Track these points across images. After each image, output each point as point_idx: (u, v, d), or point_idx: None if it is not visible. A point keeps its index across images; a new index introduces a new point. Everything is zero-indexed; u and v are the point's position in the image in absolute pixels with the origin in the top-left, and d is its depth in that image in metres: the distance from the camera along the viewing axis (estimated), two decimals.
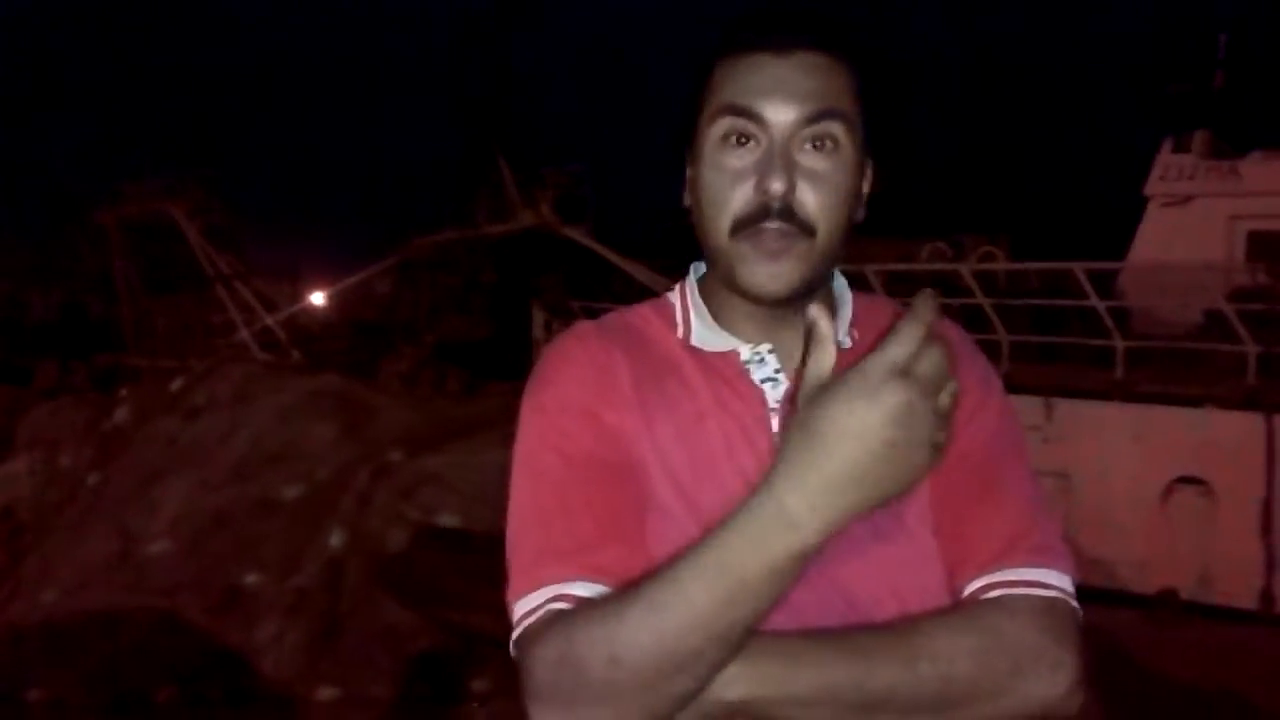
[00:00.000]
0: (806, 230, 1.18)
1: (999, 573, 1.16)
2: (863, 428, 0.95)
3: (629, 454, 1.19)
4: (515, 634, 1.10)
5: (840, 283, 1.32)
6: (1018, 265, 16.52)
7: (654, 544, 1.15)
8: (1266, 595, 9.84)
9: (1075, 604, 1.17)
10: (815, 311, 1.02)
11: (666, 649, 1.00)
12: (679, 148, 1.30)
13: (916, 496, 1.17)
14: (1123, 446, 10.35)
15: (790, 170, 1.18)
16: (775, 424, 1.21)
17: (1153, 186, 17.03)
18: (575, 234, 20.74)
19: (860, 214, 1.26)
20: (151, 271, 22.56)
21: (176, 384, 9.83)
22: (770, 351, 1.25)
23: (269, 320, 18.95)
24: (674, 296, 1.33)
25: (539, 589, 1.10)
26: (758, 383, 1.24)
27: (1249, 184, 16.05)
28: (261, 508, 7.86)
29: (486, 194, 22.39)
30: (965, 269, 14.03)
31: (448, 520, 7.02)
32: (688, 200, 1.28)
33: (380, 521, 7.14)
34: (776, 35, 1.21)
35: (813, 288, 1.22)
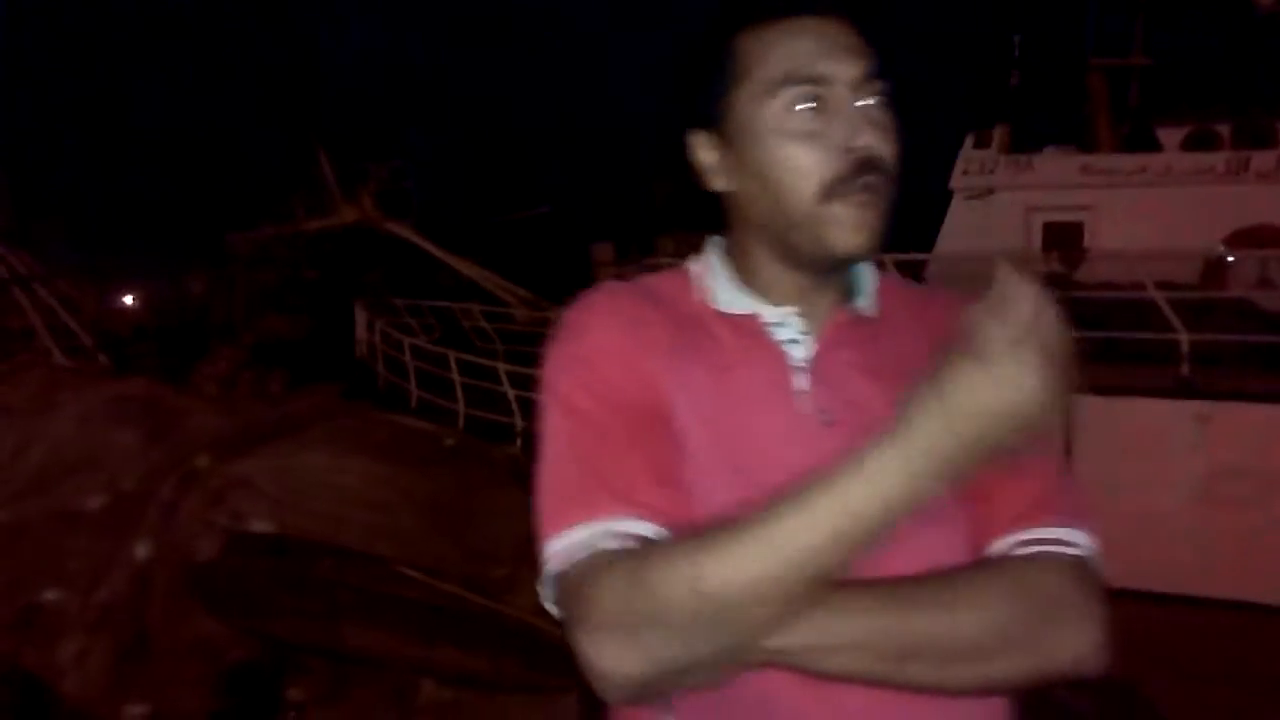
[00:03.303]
0: (888, 179, 1.22)
1: (1028, 531, 1.20)
2: (1003, 407, 0.96)
3: (665, 400, 1.21)
4: (560, 567, 1.11)
5: None
6: None
7: (695, 489, 1.18)
8: None
9: (1099, 565, 1.21)
10: (1006, 271, 1.03)
11: (753, 581, 1.00)
12: (682, 131, 1.30)
13: None
14: None
15: (871, 124, 1.20)
16: (798, 382, 1.24)
17: (956, 180, 17.77)
18: (398, 229, 20.46)
19: None
20: None
21: None
22: (795, 314, 1.28)
23: (71, 323, 18.11)
24: (695, 267, 1.35)
25: (590, 521, 1.11)
26: (781, 343, 1.27)
27: (1043, 177, 16.90)
28: (61, 520, 7.50)
29: (306, 188, 21.90)
30: None
31: (260, 526, 6.81)
32: (729, 183, 1.27)
33: (188, 530, 6.88)
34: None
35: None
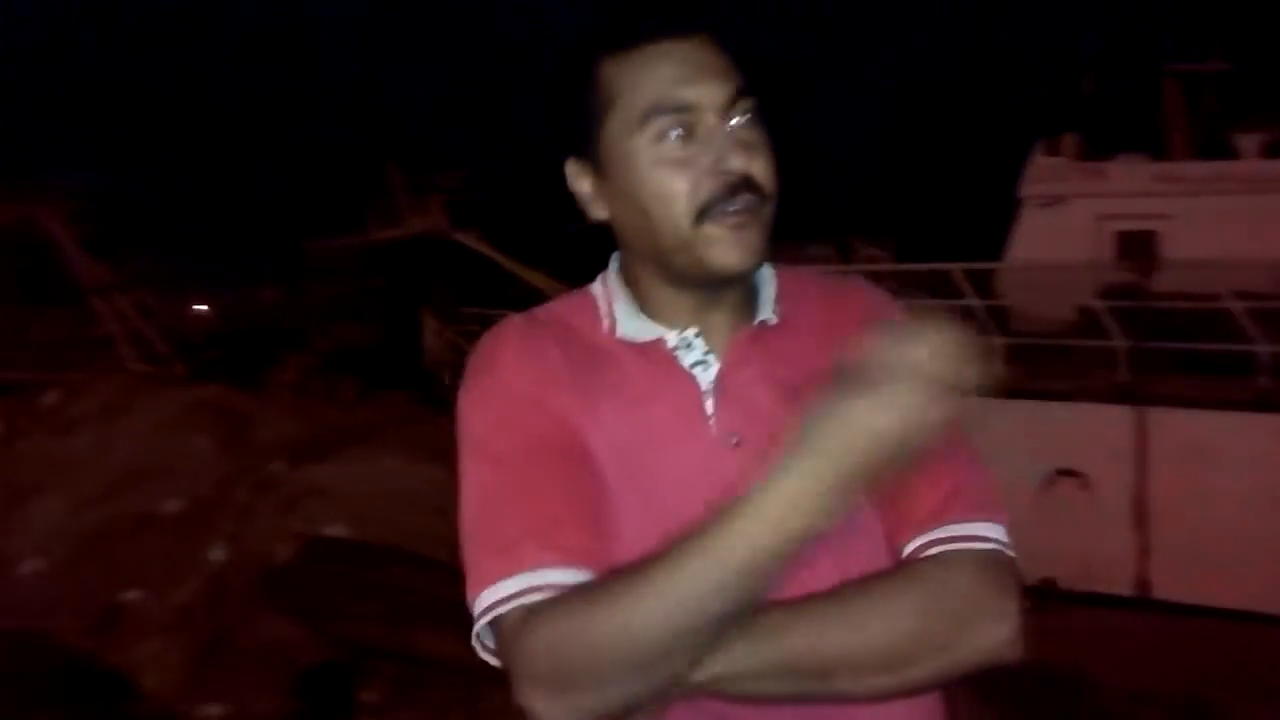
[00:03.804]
0: (763, 198, 1.20)
1: (936, 530, 1.19)
2: (881, 431, 0.97)
3: (578, 439, 1.19)
4: (489, 618, 1.11)
5: None
6: (899, 267, 16.86)
7: (614, 526, 1.16)
8: (1141, 582, 10.17)
9: (1012, 554, 1.20)
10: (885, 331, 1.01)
11: (669, 623, 1.01)
12: (560, 160, 1.29)
13: None
14: (1002, 441, 10.60)
15: (741, 146, 1.19)
16: (708, 406, 1.23)
17: (1026, 188, 17.52)
18: (466, 239, 20.61)
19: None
20: (23, 281, 21.83)
21: (49, 398, 9.54)
22: (697, 335, 1.26)
23: (148, 331, 18.48)
24: (596, 289, 1.34)
25: (513, 575, 1.10)
26: (688, 367, 1.25)
27: (1116, 185, 16.60)
28: (140, 523, 7.67)
29: (377, 199, 22.14)
30: (851, 271, 14.28)
31: (334, 531, 6.91)
32: (604, 211, 1.28)
33: (263, 534, 7.00)
34: (670, 21, 1.21)
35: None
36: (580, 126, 1.24)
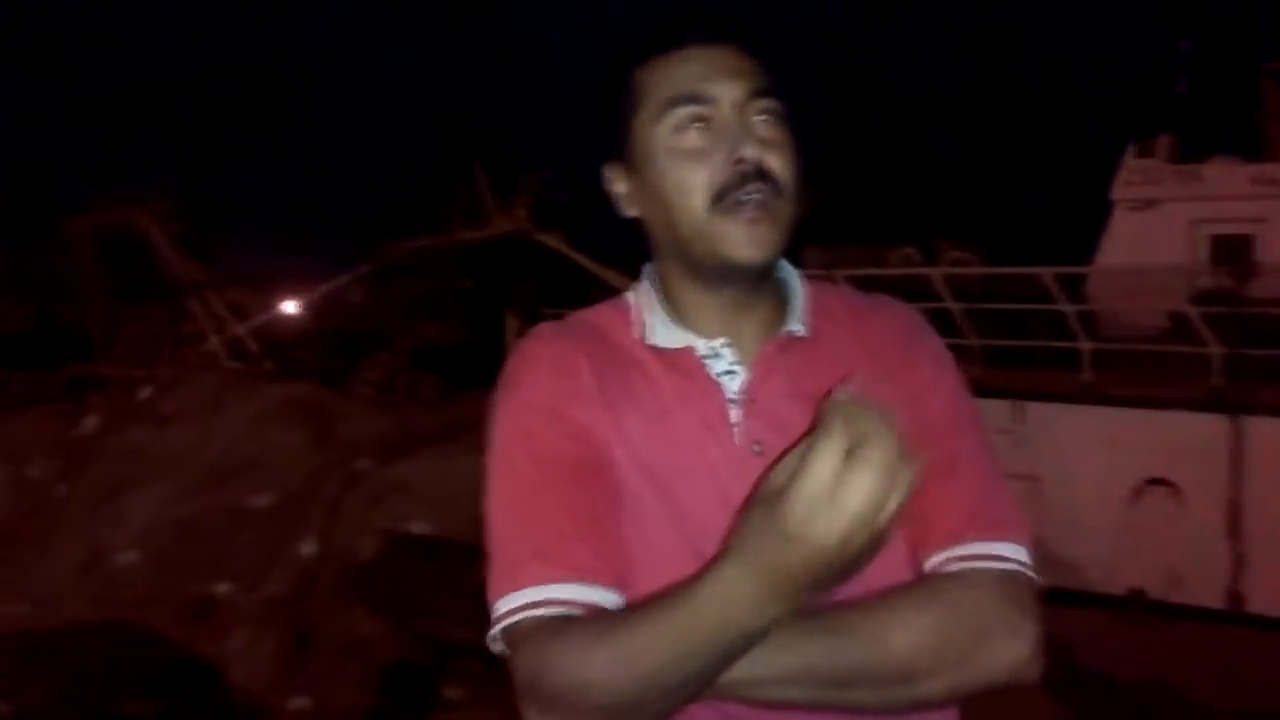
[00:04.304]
0: (778, 191, 1.22)
1: (958, 548, 1.20)
2: (826, 536, 0.94)
3: (598, 450, 1.22)
4: (496, 629, 1.16)
5: (789, 270, 1.35)
6: (987, 270, 16.63)
7: (629, 536, 1.20)
8: (1233, 595, 9.93)
9: (1032, 574, 1.20)
10: (841, 400, 0.98)
11: (633, 685, 1.05)
12: (602, 166, 1.33)
13: None
14: (1092, 449, 10.44)
15: (755, 138, 1.22)
16: (734, 415, 1.24)
17: (1118, 191, 17.18)
18: (550, 240, 20.72)
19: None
20: (121, 280, 22.39)
21: (145, 393, 9.78)
22: (726, 345, 1.28)
23: (239, 329, 18.84)
24: (631, 296, 1.36)
25: (519, 590, 1.15)
26: (715, 376, 1.26)
27: (1211, 188, 16.22)
28: (232, 517, 7.83)
29: (462, 200, 22.32)
30: (936, 274, 14.13)
31: (418, 528, 7.01)
32: (634, 209, 1.31)
33: (351, 530, 7.12)
34: (698, 30, 1.25)
35: (776, 260, 1.26)
36: (615, 130, 1.29)
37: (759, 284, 1.28)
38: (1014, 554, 1.20)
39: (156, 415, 9.26)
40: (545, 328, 1.36)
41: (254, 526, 7.60)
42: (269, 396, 9.09)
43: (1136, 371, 11.38)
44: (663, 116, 1.23)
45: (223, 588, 7.27)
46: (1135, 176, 17.01)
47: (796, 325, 1.30)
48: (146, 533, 7.89)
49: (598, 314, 1.37)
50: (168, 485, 8.25)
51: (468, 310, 21.21)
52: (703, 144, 1.22)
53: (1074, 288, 13.42)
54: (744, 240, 1.21)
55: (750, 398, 1.26)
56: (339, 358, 17.66)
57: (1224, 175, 16.40)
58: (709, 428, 1.24)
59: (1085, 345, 11.46)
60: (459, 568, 6.32)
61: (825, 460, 0.93)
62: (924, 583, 1.20)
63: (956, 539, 1.20)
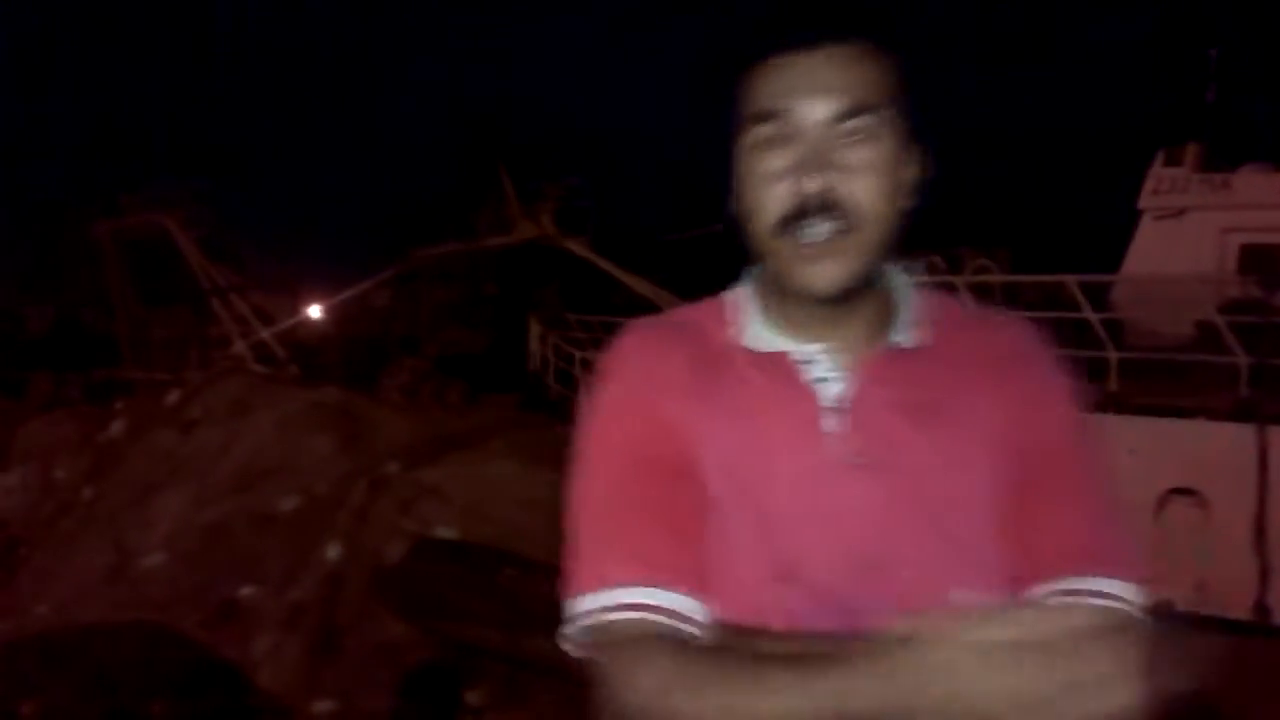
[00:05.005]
0: (850, 225, 1.16)
1: (1061, 581, 1.15)
2: (977, 696, 0.94)
3: (688, 451, 1.20)
4: (577, 625, 1.15)
5: (899, 279, 1.30)
6: (1012, 278, 16.55)
7: (723, 539, 1.18)
8: (1261, 606, 9.85)
9: (1142, 616, 1.15)
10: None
11: None
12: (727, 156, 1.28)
13: (980, 497, 1.17)
14: (1117, 458, 10.36)
15: (826, 167, 1.16)
16: (827, 423, 1.21)
17: (1146, 200, 17.08)
18: (575, 246, 20.76)
19: (911, 203, 1.24)
20: (147, 284, 22.54)
21: (173, 396, 9.83)
22: (823, 351, 1.24)
23: (264, 333, 18.93)
24: (730, 297, 1.33)
25: (608, 589, 1.14)
26: (810, 382, 1.23)
27: (1241, 197, 16.11)
28: (258, 520, 7.85)
29: (488, 206, 22.39)
30: (959, 282, 14.08)
31: (445, 533, 7.01)
32: (734, 207, 1.27)
33: (378, 534, 7.13)
34: (801, 31, 1.19)
35: (864, 283, 1.21)
36: (728, 131, 1.25)
37: (852, 299, 1.22)
38: (1122, 592, 1.15)
39: (183, 419, 9.30)
40: (642, 323, 1.33)
41: (280, 530, 7.63)
42: (296, 400, 9.12)
43: (1163, 381, 11.30)
44: (746, 131, 1.20)
45: (248, 591, 7.30)
46: (1163, 185, 16.90)
47: (903, 336, 1.25)
48: (173, 536, 7.93)
49: (694, 312, 1.34)
50: (194, 488, 8.29)
51: (493, 316, 21.28)
52: (777, 166, 1.18)
53: (1100, 296, 13.35)
54: (803, 273, 1.18)
55: (848, 406, 1.22)
56: (364, 363, 17.74)
57: (1253, 184, 16.28)
58: (800, 434, 1.21)
59: (1112, 354, 11.39)
60: (486, 572, 6.33)
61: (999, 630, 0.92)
62: None
63: (1060, 572, 1.15)
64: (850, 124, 1.17)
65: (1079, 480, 1.21)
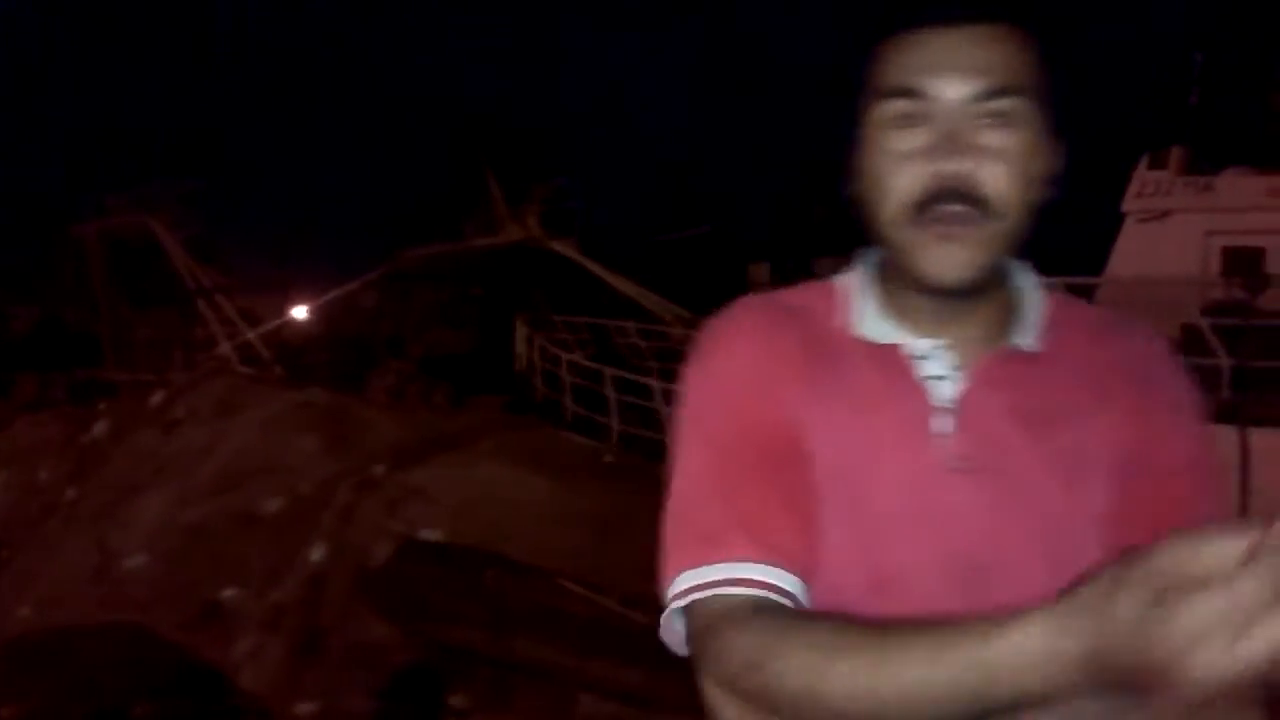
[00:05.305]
0: (987, 212, 1.10)
1: None
2: (1202, 670, 0.77)
3: (798, 431, 1.14)
4: (683, 602, 1.08)
5: (1024, 277, 1.24)
6: None
7: (821, 532, 1.12)
8: None
9: None
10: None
11: (868, 708, 0.95)
12: (848, 135, 1.21)
13: (1091, 513, 1.12)
14: None
15: (965, 149, 1.10)
16: (937, 424, 1.14)
17: (1129, 202, 17.14)
18: (562, 247, 20.76)
19: (1042, 197, 1.17)
20: (132, 285, 22.46)
21: (156, 397, 9.80)
22: (940, 348, 1.18)
23: (250, 334, 18.87)
24: (844, 281, 1.26)
25: (716, 564, 1.07)
26: (925, 379, 1.17)
27: (1224, 200, 16.19)
28: (242, 521, 7.84)
29: (475, 207, 22.37)
30: None
31: (431, 534, 7.00)
32: (855, 188, 1.20)
33: (363, 535, 7.12)
34: (944, 5, 1.12)
35: (991, 276, 1.15)
36: (857, 107, 1.18)
37: (975, 294, 1.15)
38: None
39: (167, 420, 9.28)
40: (751, 299, 1.26)
41: (264, 531, 7.61)
42: (281, 401, 9.11)
43: None
44: (877, 106, 1.13)
45: (230, 592, 7.28)
46: (1147, 188, 16.97)
47: (1025, 339, 1.18)
48: (155, 536, 7.91)
49: (801, 295, 1.27)
50: (177, 489, 8.26)
51: (479, 317, 21.24)
52: (910, 146, 1.11)
53: (1084, 298, 13.37)
54: (933, 260, 1.11)
55: (960, 408, 1.15)
56: (350, 364, 17.68)
57: (1237, 187, 16.36)
58: (908, 433, 1.14)
59: None
60: (471, 574, 6.32)
61: (1257, 583, 0.75)
62: None
63: None
64: (991, 105, 1.10)
65: (1197, 505, 1.14)
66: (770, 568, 1.07)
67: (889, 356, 1.17)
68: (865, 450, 1.13)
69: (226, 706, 6.80)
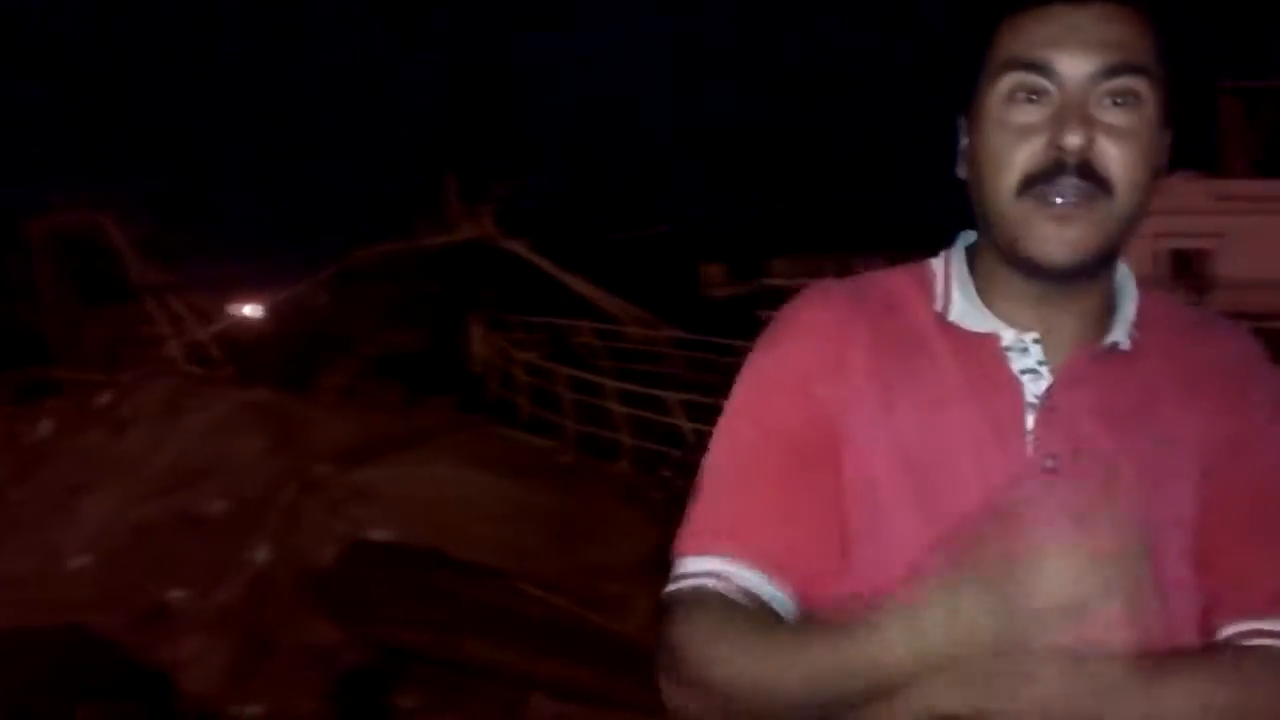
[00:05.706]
0: (1105, 190, 1.07)
1: (1266, 621, 1.05)
2: (996, 633, 0.92)
3: (835, 434, 1.12)
4: (670, 588, 1.10)
5: (1123, 272, 1.20)
6: None
7: (880, 534, 1.10)
8: None
9: None
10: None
11: (775, 698, 1.01)
12: (955, 116, 1.19)
13: (1178, 519, 1.09)
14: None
15: (1089, 125, 1.06)
16: (1030, 421, 1.10)
17: None
18: (515, 246, 20.71)
19: (1154, 184, 1.14)
20: (79, 283, 22.16)
21: (102, 397, 9.69)
22: (1036, 341, 1.14)
23: (199, 333, 18.68)
24: (937, 264, 1.22)
25: (700, 555, 1.09)
26: (1016, 373, 1.13)
27: (1171, 203, 16.41)
28: (187, 522, 7.76)
29: (429, 206, 22.29)
30: None
31: (379, 534, 6.95)
32: (963, 170, 1.17)
33: (308, 536, 7.06)
34: None
35: (1101, 263, 1.11)
36: (969, 81, 1.15)
37: (1077, 284, 1.12)
38: None
39: (113, 419, 9.17)
40: (829, 285, 1.24)
41: (209, 532, 7.53)
42: (228, 401, 9.03)
43: None
44: (997, 80, 1.09)
45: (175, 593, 7.20)
46: None
47: (1121, 336, 1.14)
48: (99, 537, 7.80)
49: (893, 278, 1.23)
50: (122, 490, 8.16)
51: (432, 316, 21.12)
52: (1030, 120, 1.08)
53: None
54: (1047, 238, 1.07)
55: (1051, 405, 1.11)
56: (301, 363, 17.51)
57: (1184, 190, 16.58)
58: (996, 429, 1.10)
59: None
60: (422, 574, 6.28)
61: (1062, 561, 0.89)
62: (1216, 653, 1.05)
63: (1266, 610, 1.05)
64: (1115, 83, 1.07)
65: None
66: (748, 570, 1.07)
67: (983, 347, 1.14)
68: (943, 444, 1.10)
69: (172, 709, 6.72)
